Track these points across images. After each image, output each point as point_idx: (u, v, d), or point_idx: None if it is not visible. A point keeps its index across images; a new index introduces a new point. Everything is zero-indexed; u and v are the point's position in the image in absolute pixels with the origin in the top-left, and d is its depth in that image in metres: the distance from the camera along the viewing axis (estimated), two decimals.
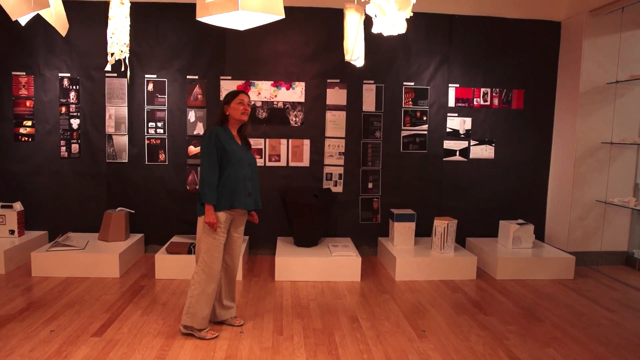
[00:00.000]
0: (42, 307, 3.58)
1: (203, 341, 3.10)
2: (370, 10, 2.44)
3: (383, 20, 2.32)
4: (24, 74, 4.89)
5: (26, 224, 4.93)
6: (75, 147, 4.97)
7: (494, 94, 5.15)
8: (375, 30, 2.44)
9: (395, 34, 2.37)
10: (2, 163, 4.94)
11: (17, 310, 3.51)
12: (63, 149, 4.97)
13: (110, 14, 3.21)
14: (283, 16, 2.17)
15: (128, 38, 3.26)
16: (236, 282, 3.45)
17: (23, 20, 2.32)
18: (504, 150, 5.23)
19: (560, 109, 5.15)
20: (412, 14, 2.32)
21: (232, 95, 3.17)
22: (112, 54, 3.25)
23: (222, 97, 4.95)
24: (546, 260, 4.56)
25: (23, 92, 4.91)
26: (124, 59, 3.29)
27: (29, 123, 4.94)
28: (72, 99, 4.93)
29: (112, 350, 2.95)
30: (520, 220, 4.90)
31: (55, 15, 2.36)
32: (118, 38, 3.23)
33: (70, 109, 4.94)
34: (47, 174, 4.97)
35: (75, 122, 4.95)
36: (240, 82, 4.93)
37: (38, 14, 2.30)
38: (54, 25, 2.39)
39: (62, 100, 4.93)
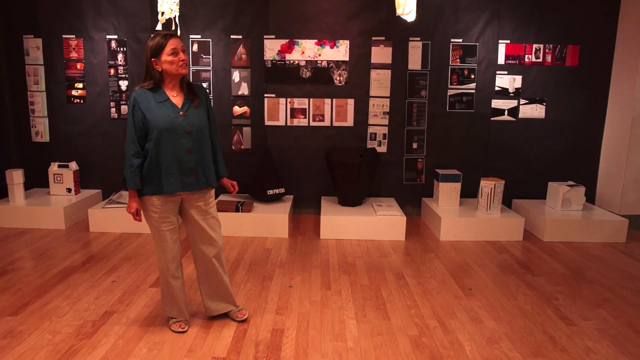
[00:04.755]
0: (102, 260, 3.79)
1: (255, 293, 3.23)
2: None
3: None
4: (74, 36, 5.00)
5: (81, 182, 5.16)
6: (124, 109, 5.10)
7: (547, 50, 4.92)
8: None
9: None
10: (56, 125, 5.14)
11: (80, 262, 3.72)
12: (113, 110, 5.11)
13: None
14: None
15: None
16: (224, 279, 2.77)
17: None
18: (555, 109, 5.03)
19: (619, 65, 4.87)
20: None
21: (158, 44, 2.39)
22: (162, 13, 3.29)
23: (263, 56, 4.93)
24: (597, 222, 4.43)
25: (73, 54, 5.04)
26: (174, 18, 3.32)
27: (80, 85, 5.08)
28: (120, 60, 5.03)
29: None
30: (571, 182, 4.76)
31: None
32: None
33: (119, 70, 5.04)
34: (98, 134, 5.14)
35: (123, 84, 5.06)
36: (284, 41, 4.89)
37: None
38: None
39: (110, 62, 5.03)
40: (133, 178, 2.45)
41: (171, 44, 2.38)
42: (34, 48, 5.02)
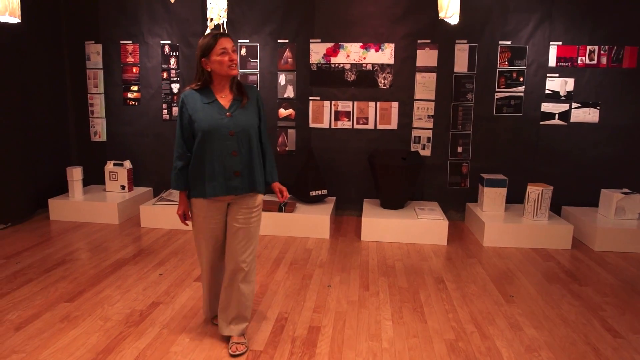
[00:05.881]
0: (152, 254, 3.98)
1: (294, 290, 3.29)
2: None
3: None
4: (131, 42, 5.28)
5: (134, 180, 5.43)
6: (175, 110, 5.33)
7: (602, 52, 4.73)
8: None
9: None
10: (113, 125, 5.44)
11: (131, 255, 3.93)
12: (165, 112, 5.35)
13: None
14: None
15: (226, 3, 3.41)
16: (238, 299, 2.53)
17: None
18: (610, 113, 4.82)
19: None
20: None
21: (209, 44, 2.32)
22: (211, 19, 3.43)
23: (308, 58, 5.02)
24: None
25: (130, 59, 5.32)
26: (223, 24, 3.45)
27: (136, 88, 5.36)
28: (173, 64, 5.26)
29: None
30: (626, 190, 4.54)
31: None
32: (217, 3, 3.39)
33: (171, 74, 5.28)
34: (151, 135, 5.40)
35: (175, 87, 5.29)
36: (329, 45, 4.96)
37: None
38: None
39: (163, 66, 5.28)
40: (176, 180, 2.43)
41: (221, 44, 2.30)
42: (95, 53, 5.34)
